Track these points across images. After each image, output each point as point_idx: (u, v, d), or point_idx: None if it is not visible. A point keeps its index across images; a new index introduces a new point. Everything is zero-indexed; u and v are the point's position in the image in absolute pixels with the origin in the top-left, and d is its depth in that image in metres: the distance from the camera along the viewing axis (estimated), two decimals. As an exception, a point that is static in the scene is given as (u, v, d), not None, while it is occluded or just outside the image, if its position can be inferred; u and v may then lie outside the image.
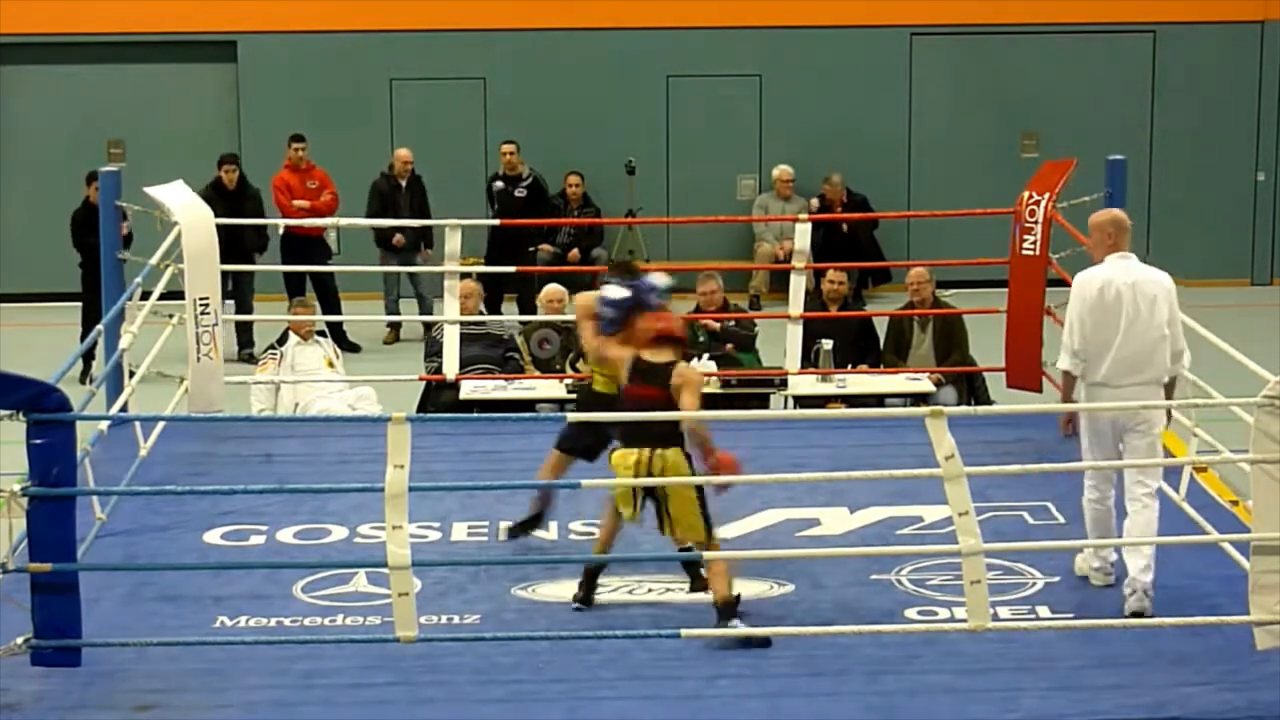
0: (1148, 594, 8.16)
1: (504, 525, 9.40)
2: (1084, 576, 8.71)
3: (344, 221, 15.42)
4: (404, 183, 17.39)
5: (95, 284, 15.90)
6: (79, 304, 15.81)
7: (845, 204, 18.63)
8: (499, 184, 18.09)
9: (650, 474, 8.18)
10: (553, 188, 18.57)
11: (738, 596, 8.11)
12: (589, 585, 8.48)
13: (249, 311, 16.14)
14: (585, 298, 9.00)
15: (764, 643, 7.96)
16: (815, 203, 18.60)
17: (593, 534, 9.29)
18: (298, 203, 17.13)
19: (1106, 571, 8.61)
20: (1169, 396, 8.46)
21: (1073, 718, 7.31)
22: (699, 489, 8.19)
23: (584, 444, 9.14)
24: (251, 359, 15.58)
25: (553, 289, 12.87)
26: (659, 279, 8.80)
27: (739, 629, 7.97)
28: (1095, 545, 8.53)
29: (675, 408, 8.21)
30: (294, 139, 17.31)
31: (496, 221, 16.45)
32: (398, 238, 17.11)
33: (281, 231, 16.43)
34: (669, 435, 8.23)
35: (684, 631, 7.85)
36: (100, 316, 15.98)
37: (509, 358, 12.58)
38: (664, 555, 8.81)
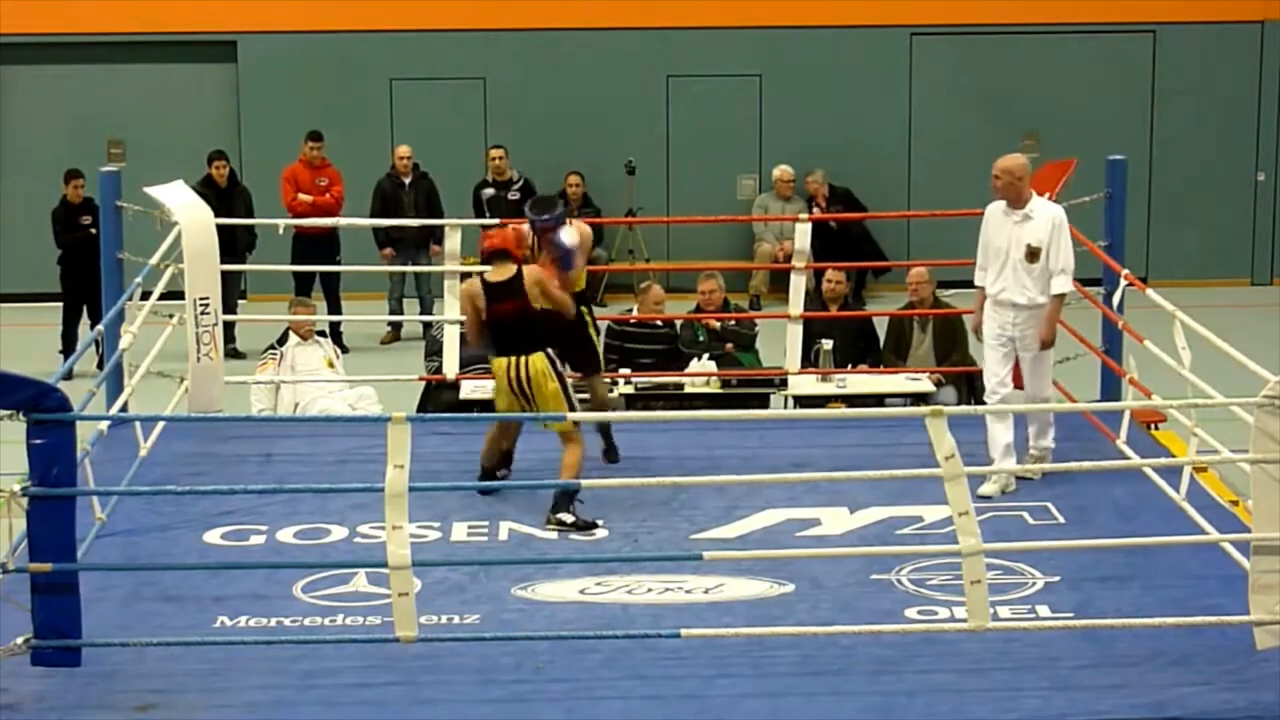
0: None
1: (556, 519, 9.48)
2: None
3: (344, 221, 15.42)
4: (408, 180, 17.36)
5: (74, 281, 16.00)
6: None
7: (828, 198, 18.63)
8: (489, 190, 18.06)
9: (518, 375, 9.53)
10: (553, 188, 18.56)
11: (576, 492, 9.30)
12: (489, 476, 9.85)
13: (232, 311, 16.10)
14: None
15: (591, 525, 9.27)
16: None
17: (593, 535, 9.36)
18: (303, 196, 17.13)
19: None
20: None
21: (1073, 718, 7.30)
22: (562, 385, 9.57)
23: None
24: (236, 354, 15.57)
25: None
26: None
27: (568, 518, 9.29)
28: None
29: (536, 314, 9.53)
30: (311, 136, 17.35)
31: (498, 221, 16.39)
32: (386, 250, 17.09)
33: (281, 231, 16.42)
34: (532, 342, 9.56)
35: (684, 631, 7.83)
36: (80, 314, 16.12)
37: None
38: (663, 555, 8.84)
